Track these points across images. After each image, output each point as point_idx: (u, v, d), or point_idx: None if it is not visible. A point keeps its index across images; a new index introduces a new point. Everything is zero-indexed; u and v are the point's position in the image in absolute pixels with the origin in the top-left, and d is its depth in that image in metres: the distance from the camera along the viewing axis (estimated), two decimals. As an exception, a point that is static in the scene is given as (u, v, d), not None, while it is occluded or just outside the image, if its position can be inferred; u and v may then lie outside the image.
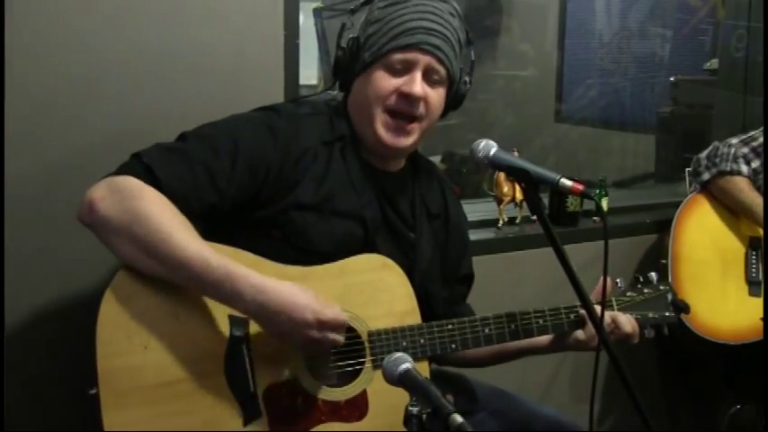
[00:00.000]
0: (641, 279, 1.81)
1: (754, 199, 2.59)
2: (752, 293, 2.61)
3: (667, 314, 1.79)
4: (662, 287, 1.81)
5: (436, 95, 1.63)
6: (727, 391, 2.88)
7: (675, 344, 2.76)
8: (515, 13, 3.83)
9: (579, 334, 1.71)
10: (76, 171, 1.69)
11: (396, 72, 1.60)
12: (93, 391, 1.37)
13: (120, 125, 1.79)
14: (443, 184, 1.84)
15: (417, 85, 1.59)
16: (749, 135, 2.69)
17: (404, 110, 1.60)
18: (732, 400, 2.85)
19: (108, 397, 1.37)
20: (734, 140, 2.68)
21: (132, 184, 1.42)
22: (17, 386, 1.71)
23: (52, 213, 1.72)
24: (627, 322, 1.70)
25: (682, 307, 1.80)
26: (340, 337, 1.47)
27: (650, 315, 1.78)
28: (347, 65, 1.65)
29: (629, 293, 1.79)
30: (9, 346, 1.70)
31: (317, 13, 3.05)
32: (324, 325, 1.43)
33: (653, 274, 1.81)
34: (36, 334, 1.75)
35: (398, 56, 1.59)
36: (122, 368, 1.39)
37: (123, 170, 1.46)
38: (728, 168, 2.62)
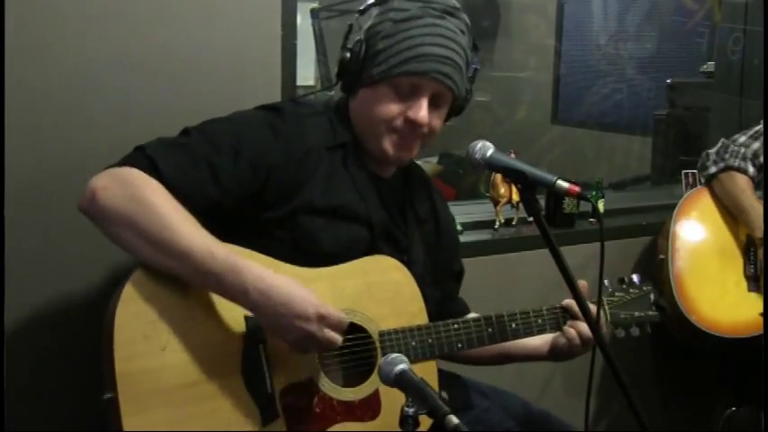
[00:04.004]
0: (626, 280, 1.89)
1: (753, 203, 2.59)
2: (750, 289, 2.62)
3: (650, 313, 1.88)
4: (645, 288, 1.89)
5: (439, 116, 1.65)
6: (723, 392, 2.89)
7: (671, 345, 2.76)
8: (512, 15, 3.84)
9: (569, 332, 1.72)
10: (76, 171, 1.69)
11: (402, 95, 1.60)
12: (109, 396, 1.34)
13: (119, 125, 1.78)
14: (430, 186, 1.86)
15: (423, 112, 1.60)
16: (755, 130, 2.68)
17: (408, 131, 1.63)
18: (728, 402, 2.85)
19: (127, 400, 1.34)
20: (741, 138, 2.67)
21: (136, 175, 1.42)
22: (15, 390, 1.69)
23: (53, 212, 1.71)
24: (587, 329, 1.68)
25: (663, 307, 1.92)
26: (338, 337, 1.45)
27: (636, 314, 1.87)
28: (354, 71, 1.63)
29: (617, 294, 1.87)
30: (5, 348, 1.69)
31: (314, 13, 3.05)
32: (324, 319, 1.42)
33: (635, 276, 1.90)
34: (34, 337, 1.74)
35: (407, 80, 1.59)
36: (141, 371, 1.36)
37: (127, 162, 1.46)
38: (736, 164, 2.62)
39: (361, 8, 1.65)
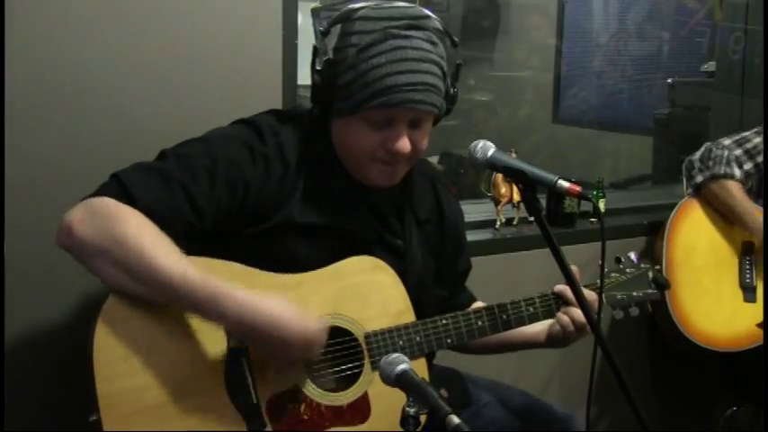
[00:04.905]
0: (622, 259, 1.84)
1: (746, 207, 2.57)
2: (746, 299, 2.60)
3: (650, 291, 1.83)
4: (643, 265, 1.85)
5: (422, 134, 1.59)
6: (724, 392, 2.88)
7: (671, 345, 2.76)
8: (513, 15, 3.83)
9: (563, 319, 1.72)
10: (76, 171, 1.69)
11: (377, 126, 1.54)
12: (94, 418, 1.34)
13: (119, 125, 1.79)
14: (436, 183, 1.81)
15: (403, 142, 1.54)
16: (742, 136, 2.67)
17: (391, 159, 1.57)
18: (728, 402, 2.85)
19: (111, 422, 1.34)
20: (726, 141, 2.66)
21: (110, 205, 1.40)
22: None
23: (53, 213, 1.71)
24: (580, 315, 1.69)
25: (663, 283, 1.85)
26: (316, 352, 1.47)
27: (634, 294, 1.82)
28: (324, 98, 1.56)
29: (613, 274, 1.82)
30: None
31: (315, 13, 3.05)
32: (308, 343, 1.43)
33: (632, 254, 1.85)
34: (28, 347, 1.74)
35: (380, 112, 1.52)
36: (123, 391, 1.36)
37: (100, 191, 1.44)
38: (722, 172, 2.59)
39: (322, 29, 1.56)
